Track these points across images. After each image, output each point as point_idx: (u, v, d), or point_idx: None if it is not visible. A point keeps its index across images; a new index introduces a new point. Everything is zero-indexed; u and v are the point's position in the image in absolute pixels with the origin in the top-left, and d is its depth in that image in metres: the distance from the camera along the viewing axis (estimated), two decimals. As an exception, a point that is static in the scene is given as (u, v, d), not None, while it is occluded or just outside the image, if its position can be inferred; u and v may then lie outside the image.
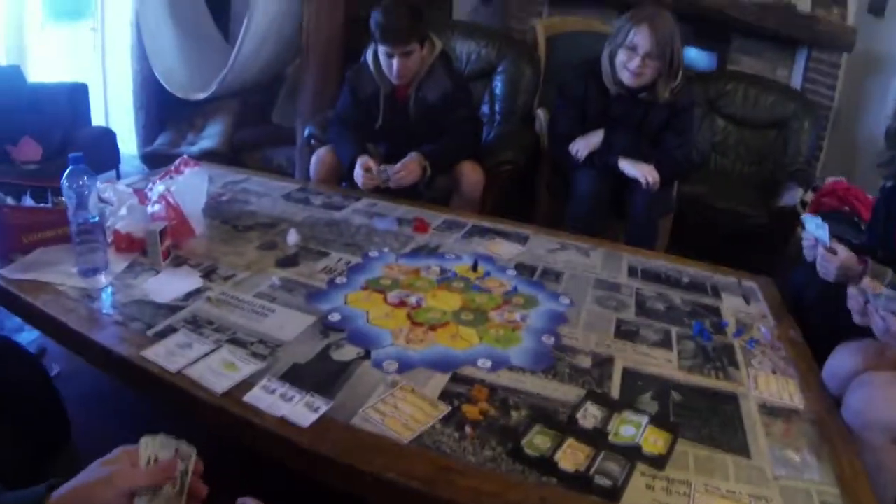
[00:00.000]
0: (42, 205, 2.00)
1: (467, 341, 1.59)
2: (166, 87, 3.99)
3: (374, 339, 1.58)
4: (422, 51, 2.69)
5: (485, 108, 3.53)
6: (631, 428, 1.31)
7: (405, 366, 1.46)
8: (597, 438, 1.27)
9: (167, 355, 1.44)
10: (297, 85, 4.10)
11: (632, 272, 2.15)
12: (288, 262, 2.00)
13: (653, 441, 1.28)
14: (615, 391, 1.45)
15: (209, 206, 2.34)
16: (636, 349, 1.64)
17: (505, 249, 2.23)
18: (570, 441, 1.25)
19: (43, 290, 1.72)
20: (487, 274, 2.00)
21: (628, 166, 2.69)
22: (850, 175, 3.48)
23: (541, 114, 3.43)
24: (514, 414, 1.33)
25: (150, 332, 1.55)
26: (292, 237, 2.13)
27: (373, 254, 2.09)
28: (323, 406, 1.31)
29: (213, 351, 1.48)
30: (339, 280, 1.88)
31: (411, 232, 2.32)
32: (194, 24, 4.32)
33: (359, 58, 3.03)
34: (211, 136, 4.23)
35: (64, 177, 1.81)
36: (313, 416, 1.27)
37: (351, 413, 1.30)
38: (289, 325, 1.62)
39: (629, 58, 2.60)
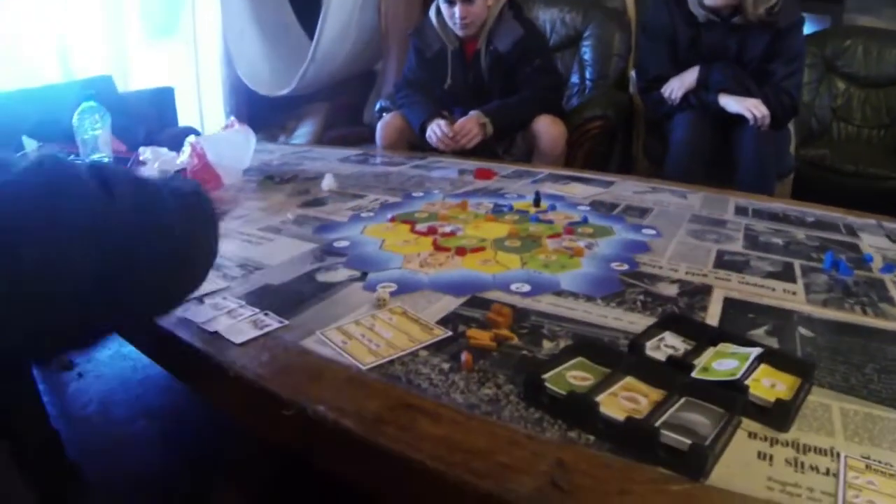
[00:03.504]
0: (75, 160, 1.73)
1: (504, 266, 1.09)
2: (249, 85, 3.78)
3: (380, 262, 1.11)
4: None
5: (574, 78, 3.03)
6: (732, 361, 0.74)
7: (407, 287, 0.99)
8: (672, 375, 0.73)
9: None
10: (382, 77, 3.75)
11: (740, 211, 1.56)
12: (314, 202, 1.58)
13: (768, 384, 0.72)
14: (712, 322, 0.90)
15: (256, 168, 2.01)
16: (744, 279, 1.08)
17: (581, 190, 1.72)
18: (626, 380, 0.72)
19: None
20: (552, 208, 1.49)
21: (731, 102, 2.15)
22: None
23: (635, 76, 2.90)
24: (546, 344, 0.82)
25: None
26: (327, 181, 1.72)
27: (417, 194, 1.63)
28: (274, 324, 0.86)
29: None
30: (364, 214, 1.44)
31: (472, 178, 1.85)
32: (278, 24, 4.11)
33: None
34: (301, 136, 3.97)
35: (76, 113, 1.51)
36: (252, 334, 0.83)
37: (307, 334, 0.84)
38: (282, 251, 1.20)
39: None
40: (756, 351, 0.76)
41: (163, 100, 3.88)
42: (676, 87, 2.23)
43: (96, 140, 1.50)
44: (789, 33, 2.17)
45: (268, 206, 1.56)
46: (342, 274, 1.06)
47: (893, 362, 0.81)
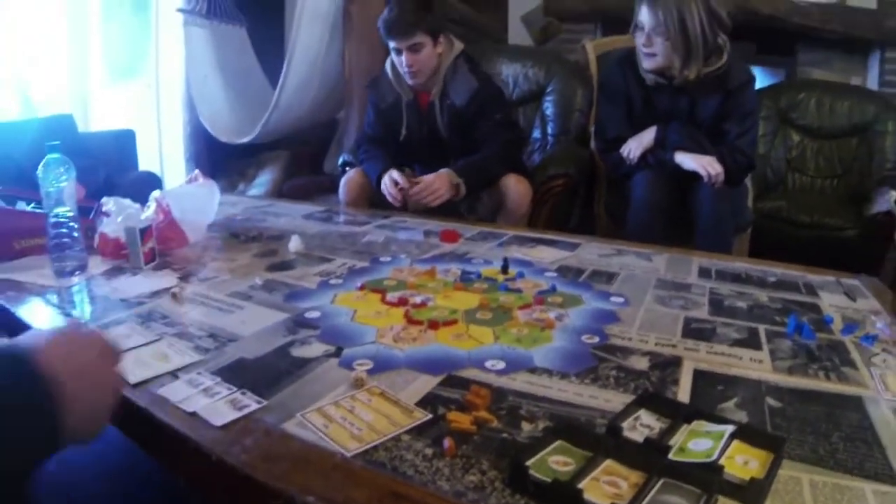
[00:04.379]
0: (36, 209, 1.74)
1: (477, 340, 1.12)
2: (211, 131, 3.78)
3: (353, 336, 1.13)
4: (435, 47, 2.34)
5: (536, 133, 3.12)
6: (707, 441, 0.78)
7: (383, 365, 1.01)
8: (650, 457, 0.76)
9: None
10: (344, 128, 3.79)
11: (703, 273, 1.61)
12: (281, 266, 1.60)
13: (742, 462, 0.76)
14: (683, 397, 0.95)
15: (219, 224, 2.03)
16: (712, 349, 1.12)
17: (547, 254, 1.76)
18: (606, 463, 0.75)
19: (14, 288, 1.43)
20: (521, 275, 1.52)
21: (686, 159, 2.24)
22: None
23: (593, 135, 3.00)
24: (525, 426, 0.85)
25: (94, 325, 1.19)
26: (294, 243, 1.74)
27: (384, 258, 1.66)
28: (252, 404, 0.87)
29: (150, 342, 1.09)
30: (333, 281, 1.46)
31: (438, 241, 1.88)
32: (241, 70, 4.14)
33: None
34: (261, 185, 3.98)
35: (39, 167, 1.52)
36: (232, 416, 0.84)
37: (287, 416, 0.85)
38: (253, 321, 1.21)
39: (639, 39, 2.26)
40: (729, 429, 0.80)
41: (123, 142, 3.92)
42: (634, 147, 2.32)
43: (61, 193, 1.50)
44: (740, 93, 2.28)
45: (235, 268, 1.57)
46: (317, 349, 1.07)
47: (857, 430, 0.86)
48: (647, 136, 2.32)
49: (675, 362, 1.06)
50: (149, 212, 1.76)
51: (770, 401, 0.94)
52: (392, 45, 2.33)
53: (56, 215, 1.48)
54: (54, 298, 1.37)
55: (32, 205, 1.80)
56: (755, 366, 1.06)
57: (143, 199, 3.65)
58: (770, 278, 1.59)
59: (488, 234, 1.99)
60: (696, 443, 0.78)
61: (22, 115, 4.04)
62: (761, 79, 3.49)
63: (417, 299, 1.31)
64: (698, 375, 1.01)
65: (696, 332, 1.20)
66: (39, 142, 3.35)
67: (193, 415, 0.85)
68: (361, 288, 1.40)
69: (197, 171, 2.04)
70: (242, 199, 2.61)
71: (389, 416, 0.85)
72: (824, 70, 4.04)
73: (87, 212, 1.94)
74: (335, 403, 0.88)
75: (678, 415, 0.85)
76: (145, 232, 1.61)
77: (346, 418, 0.84)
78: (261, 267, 1.58)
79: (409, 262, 1.64)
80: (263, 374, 0.98)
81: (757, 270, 1.65)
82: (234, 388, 0.92)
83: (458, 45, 2.44)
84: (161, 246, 1.70)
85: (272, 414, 0.86)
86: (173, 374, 0.97)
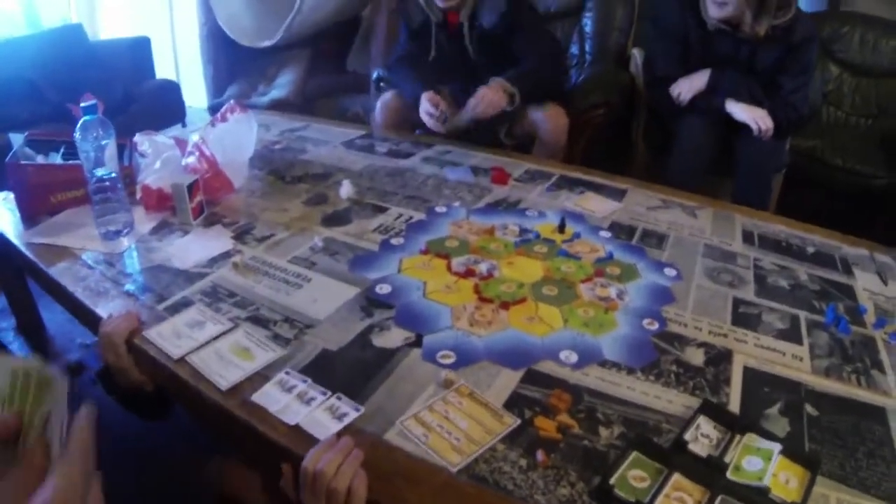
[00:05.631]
0: (71, 161, 1.76)
1: (548, 324, 1.23)
2: (229, 34, 3.70)
3: (429, 319, 1.23)
4: None
5: (573, 49, 3.08)
6: (758, 460, 0.92)
7: (465, 358, 1.12)
8: (712, 474, 0.90)
9: (173, 336, 1.16)
10: (370, 29, 3.74)
11: (747, 237, 1.72)
12: (337, 218, 1.68)
13: (784, 480, 0.90)
14: (735, 399, 1.07)
15: (259, 156, 2.08)
16: (759, 340, 1.24)
17: (598, 205, 1.85)
18: (675, 478, 0.89)
19: (62, 256, 1.48)
20: (577, 235, 1.62)
21: (738, 109, 2.24)
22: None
23: (636, 54, 2.96)
24: (603, 432, 0.97)
25: (161, 307, 1.27)
26: (345, 189, 1.81)
27: (440, 208, 1.75)
28: (351, 412, 0.98)
29: (226, 332, 1.18)
30: (394, 241, 1.55)
31: (488, 183, 1.96)
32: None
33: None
34: (282, 86, 3.93)
35: (77, 129, 1.55)
36: (335, 427, 0.95)
37: (387, 423, 0.97)
38: (325, 298, 1.30)
39: None
40: (777, 448, 0.94)
41: (138, 50, 3.85)
42: (686, 89, 2.31)
43: (102, 154, 1.54)
44: (802, 48, 2.25)
45: (289, 222, 1.65)
46: (396, 336, 1.18)
47: (878, 445, 1.00)
48: (699, 80, 2.31)
49: (727, 356, 1.18)
50: (191, 158, 1.78)
51: (808, 408, 1.07)
52: None
53: (99, 178, 1.51)
54: (109, 271, 1.41)
55: (63, 150, 1.83)
56: (796, 364, 1.18)
57: (163, 109, 3.69)
58: (809, 248, 1.70)
59: (535, 174, 2.06)
60: (749, 461, 0.93)
61: (28, 27, 3.98)
62: (805, 3, 3.42)
63: (483, 268, 1.42)
64: (748, 374, 1.14)
65: (744, 318, 1.32)
66: (50, 56, 3.33)
67: (296, 427, 0.95)
68: (425, 252, 1.49)
69: (233, 102, 2.05)
70: (275, 119, 2.62)
71: (482, 423, 0.96)
72: (871, 2, 3.93)
73: (121, 151, 1.98)
74: (429, 408, 0.99)
75: (733, 426, 0.99)
76: (192, 187, 1.64)
77: (443, 426, 0.96)
78: (316, 219, 1.67)
79: (465, 213, 1.72)
80: (351, 370, 1.08)
81: (795, 237, 1.75)
82: (328, 392, 1.02)
83: None
84: (208, 196, 1.74)
85: (371, 422, 0.97)
86: (263, 376, 1.06)
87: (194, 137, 1.84)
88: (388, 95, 2.55)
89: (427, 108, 2.23)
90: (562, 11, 3.11)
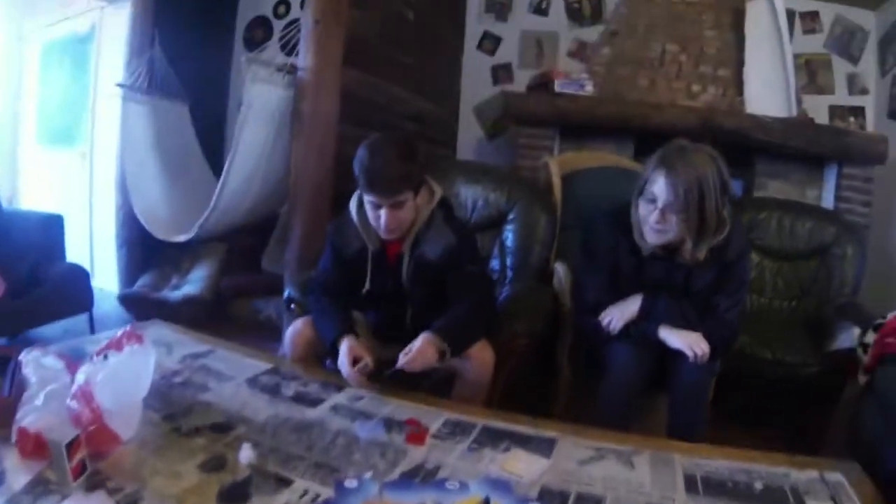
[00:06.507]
0: None
1: None
2: (145, 225, 3.66)
3: None
4: (416, 199, 2.23)
5: (495, 263, 3.09)
6: None
7: None
8: None
9: None
10: (287, 230, 3.71)
11: (690, 485, 1.62)
12: (236, 494, 1.50)
13: None
14: None
15: (155, 392, 1.90)
16: None
17: (525, 467, 1.71)
18: None
19: None
20: (503, 515, 1.47)
21: (672, 337, 2.22)
22: (891, 301, 2.99)
23: (559, 268, 2.98)
24: None
25: None
26: (245, 454, 1.64)
27: (350, 483, 1.58)
28: None
29: None
30: (297, 533, 1.37)
31: (403, 442, 1.82)
32: (181, 153, 4.07)
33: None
34: (195, 281, 3.86)
35: None
36: None
37: None
38: None
39: (648, 210, 2.19)
40: None
41: (50, 228, 3.76)
42: (617, 317, 2.28)
43: None
44: (737, 264, 2.29)
45: (181, 494, 1.46)
46: None
47: None
48: (630, 307, 2.29)
49: None
50: (74, 403, 1.61)
51: None
52: (371, 199, 2.18)
53: None
54: None
55: None
56: None
57: (70, 296, 3.52)
58: (756, 484, 1.62)
59: (455, 427, 1.93)
60: None
61: None
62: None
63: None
64: None
65: None
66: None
67: None
68: (334, 549, 1.32)
69: (129, 327, 1.89)
70: (179, 337, 2.46)
71: None
72: (781, 181, 4.22)
73: (3, 363, 1.79)
74: None
75: None
76: (74, 442, 1.47)
77: None
78: (211, 493, 1.48)
79: (377, 488, 1.56)
80: None
81: (740, 472, 1.67)
82: None
83: (438, 193, 2.34)
84: (92, 450, 1.55)
85: None
86: None
87: (81, 377, 1.66)
88: (299, 324, 2.42)
89: (346, 365, 2.12)
90: (482, 224, 3.13)
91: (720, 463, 1.73)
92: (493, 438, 1.87)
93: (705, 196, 2.11)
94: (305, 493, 1.53)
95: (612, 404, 2.23)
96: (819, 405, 2.70)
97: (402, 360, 2.09)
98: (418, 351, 2.08)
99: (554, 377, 2.75)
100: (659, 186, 2.14)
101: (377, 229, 2.25)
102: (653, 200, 2.17)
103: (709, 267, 2.26)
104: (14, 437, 1.54)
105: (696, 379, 2.23)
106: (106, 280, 4.34)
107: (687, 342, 2.19)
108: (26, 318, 3.33)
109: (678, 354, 2.22)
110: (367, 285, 2.34)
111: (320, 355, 2.40)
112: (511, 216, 3.12)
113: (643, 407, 2.32)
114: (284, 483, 1.56)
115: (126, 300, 3.95)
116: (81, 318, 3.70)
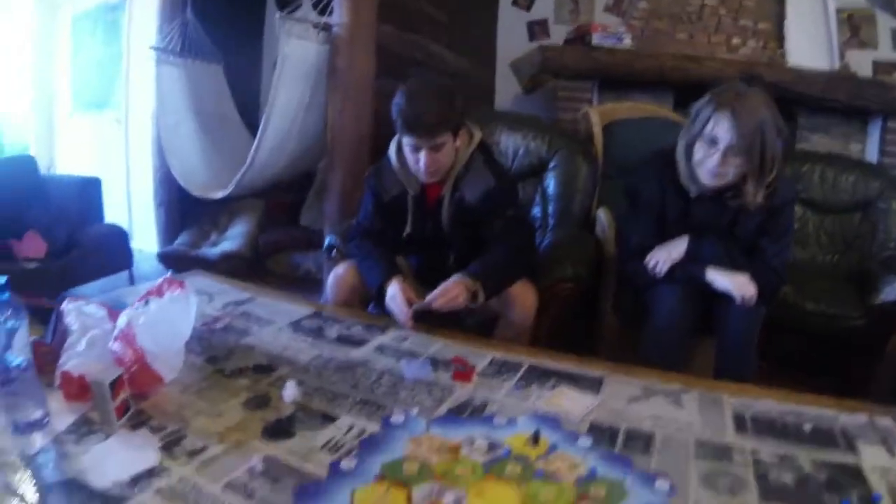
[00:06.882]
0: None
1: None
2: (183, 185, 3.65)
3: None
4: (455, 142, 2.20)
5: (536, 211, 3.06)
6: None
7: None
8: None
9: None
10: (325, 185, 3.69)
11: (739, 423, 1.57)
12: (280, 429, 1.48)
13: None
14: None
15: (197, 337, 1.89)
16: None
17: (573, 403, 1.68)
18: None
19: None
20: (553, 448, 1.45)
21: (719, 278, 2.18)
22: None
23: (601, 215, 2.94)
24: None
25: None
26: (289, 392, 1.62)
27: (396, 418, 1.56)
28: None
29: None
30: (345, 464, 1.35)
31: (449, 380, 1.79)
32: (216, 114, 4.04)
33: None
34: (234, 238, 3.86)
35: None
36: None
37: None
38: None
39: (707, 153, 2.12)
40: None
41: (88, 191, 3.81)
42: (663, 258, 2.24)
43: (11, 338, 1.37)
44: (784, 210, 2.24)
45: (225, 431, 1.45)
46: None
47: None
48: (677, 248, 2.25)
49: None
50: (116, 345, 1.59)
51: None
52: (410, 141, 2.16)
53: (5, 368, 1.35)
54: (12, 479, 1.23)
55: None
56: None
57: (109, 256, 3.56)
58: (805, 425, 1.57)
59: (502, 365, 1.90)
60: None
61: None
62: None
63: (448, 499, 1.23)
64: None
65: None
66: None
67: None
68: (381, 478, 1.30)
69: (169, 275, 1.88)
70: (220, 286, 2.46)
71: None
72: (823, 135, 4.13)
73: (46, 316, 1.78)
74: None
75: None
76: (116, 382, 1.46)
77: None
78: (256, 430, 1.47)
79: (424, 425, 1.54)
80: None
81: (789, 414, 1.62)
82: None
83: (477, 136, 2.31)
84: (135, 391, 1.55)
85: None
86: None
87: (122, 321, 1.64)
88: (340, 269, 2.41)
89: (398, 303, 2.12)
90: (524, 172, 3.10)
91: (769, 404, 1.68)
92: (539, 377, 1.84)
93: (766, 138, 2.05)
94: (351, 428, 1.51)
95: (657, 348, 2.19)
96: (863, 357, 2.63)
97: (430, 297, 2.08)
98: (444, 290, 2.07)
99: (598, 325, 2.72)
100: (722, 128, 2.07)
101: (416, 173, 2.23)
102: (713, 143, 2.10)
103: (756, 211, 2.20)
104: (57, 381, 1.54)
105: (744, 322, 2.18)
106: (145, 241, 4.39)
107: (734, 284, 2.15)
108: (68, 278, 3.38)
109: (725, 298, 2.17)
110: (408, 229, 2.32)
111: (363, 300, 2.40)
112: (552, 164, 3.08)
113: (689, 352, 2.27)
114: (329, 419, 1.54)
115: (165, 258, 3.98)
116: (121, 278, 3.76)
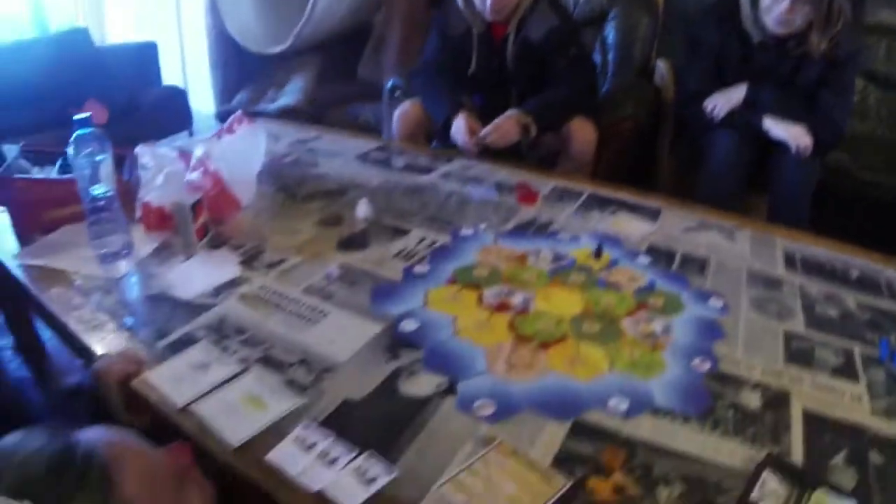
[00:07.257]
0: (66, 176, 1.64)
1: (592, 367, 1.14)
2: (239, 41, 3.65)
3: (462, 362, 1.14)
4: None
5: (596, 58, 3.00)
6: None
7: (505, 408, 1.03)
8: None
9: (174, 381, 1.06)
10: (382, 37, 3.65)
11: (789, 262, 1.64)
12: (353, 242, 1.60)
13: None
14: (797, 448, 0.98)
15: (267, 171, 1.99)
16: (815, 379, 1.16)
17: (633, 227, 1.76)
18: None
19: (55, 281, 1.39)
20: (615, 262, 1.54)
21: (776, 127, 2.17)
22: None
23: (661, 65, 2.89)
24: (662, 492, 0.88)
25: (161, 344, 1.18)
26: (362, 209, 1.73)
27: (465, 231, 1.66)
28: (382, 476, 0.88)
29: (235, 376, 1.08)
30: (418, 269, 1.46)
31: (514, 202, 1.88)
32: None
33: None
34: (291, 93, 3.86)
35: (70, 144, 1.45)
36: (365, 494, 0.86)
37: (422, 488, 0.87)
38: (344, 336, 1.21)
39: (775, 0, 2.06)
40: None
41: (145, 56, 3.83)
42: (722, 103, 2.23)
43: (97, 170, 1.44)
44: (846, 65, 2.18)
45: (301, 245, 1.56)
46: (426, 383, 1.09)
47: None
48: (736, 94, 2.23)
49: (784, 399, 1.09)
50: (194, 175, 1.68)
51: (873, 457, 0.98)
52: None
53: (94, 198, 1.40)
54: (105, 300, 1.32)
55: (60, 163, 1.72)
56: (856, 405, 1.10)
57: (169, 117, 3.63)
58: (853, 272, 1.61)
59: (563, 192, 1.98)
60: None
61: (36, 31, 3.94)
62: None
63: (517, 300, 1.33)
64: (808, 419, 1.05)
65: (797, 355, 1.23)
66: (55, 60, 3.29)
67: (319, 493, 0.85)
68: (453, 281, 1.41)
69: (239, 113, 1.95)
70: (285, 128, 2.54)
71: (530, 486, 0.87)
72: (893, 13, 3.90)
73: (121, 164, 1.88)
74: (469, 469, 0.90)
75: (801, 481, 0.91)
76: (196, 206, 1.55)
77: (485, 491, 0.86)
78: (331, 243, 1.58)
79: (493, 237, 1.64)
80: (377, 424, 0.99)
81: (838, 261, 1.67)
82: (354, 450, 0.92)
83: None
84: (213, 216, 1.64)
85: (405, 487, 0.87)
86: (277, 428, 0.96)
87: (198, 152, 1.74)
88: (406, 105, 2.47)
89: (463, 133, 2.16)
90: (584, 20, 3.04)
91: (819, 250, 1.73)
92: (600, 203, 1.91)
93: None
94: (422, 240, 1.61)
95: (713, 191, 2.22)
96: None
97: (483, 131, 2.14)
98: (496, 125, 2.13)
99: (655, 170, 2.74)
100: None
101: (482, 11, 2.23)
102: None
103: (819, 60, 2.15)
104: (138, 214, 1.63)
105: (799, 175, 2.19)
106: (202, 102, 4.42)
107: (791, 133, 2.14)
108: (131, 140, 3.46)
109: (780, 148, 2.17)
110: (473, 67, 2.34)
111: (427, 136, 2.47)
112: (612, 14, 3.01)
113: (743, 207, 2.28)
114: (401, 232, 1.65)
115: (224, 116, 4.02)
116: (182, 138, 3.84)
